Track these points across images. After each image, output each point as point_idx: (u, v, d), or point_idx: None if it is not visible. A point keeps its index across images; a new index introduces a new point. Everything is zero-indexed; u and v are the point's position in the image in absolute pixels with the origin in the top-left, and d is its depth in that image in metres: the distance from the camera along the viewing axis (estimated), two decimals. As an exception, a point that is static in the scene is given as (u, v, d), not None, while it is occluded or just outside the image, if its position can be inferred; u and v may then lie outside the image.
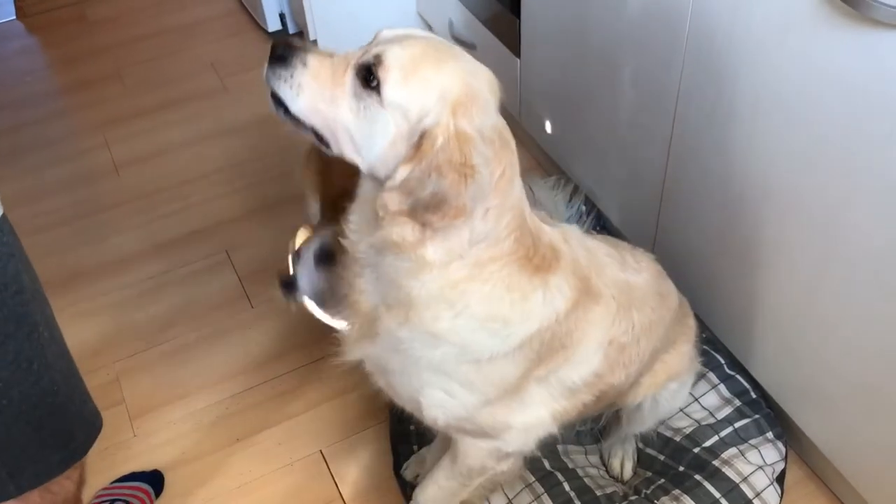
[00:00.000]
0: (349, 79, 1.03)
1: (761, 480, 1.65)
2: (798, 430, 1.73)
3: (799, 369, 1.66)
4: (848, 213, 1.38)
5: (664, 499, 1.64)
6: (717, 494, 1.63)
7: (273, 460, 1.86)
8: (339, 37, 2.91)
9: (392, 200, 1.01)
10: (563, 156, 2.29)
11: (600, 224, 2.19)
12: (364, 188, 1.14)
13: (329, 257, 1.49)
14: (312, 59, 1.04)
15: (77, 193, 2.59)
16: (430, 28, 3.06)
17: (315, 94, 1.03)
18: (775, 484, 1.67)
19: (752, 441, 1.72)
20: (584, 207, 2.19)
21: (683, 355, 1.56)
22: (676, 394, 1.62)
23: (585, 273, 1.26)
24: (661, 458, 1.74)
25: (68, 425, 1.20)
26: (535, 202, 2.14)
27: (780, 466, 1.71)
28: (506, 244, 1.11)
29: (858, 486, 1.61)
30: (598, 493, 1.68)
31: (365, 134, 1.03)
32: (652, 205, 1.93)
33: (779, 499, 1.65)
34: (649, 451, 1.77)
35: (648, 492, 1.67)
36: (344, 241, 1.18)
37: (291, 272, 1.56)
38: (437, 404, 1.27)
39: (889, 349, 1.40)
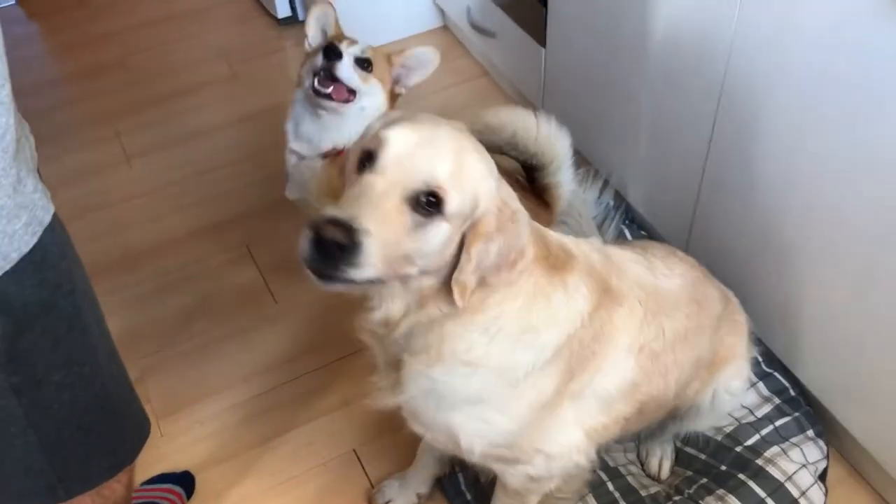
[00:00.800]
0: (406, 215, 0.98)
1: (805, 479, 1.64)
2: (839, 427, 1.71)
3: (842, 366, 1.64)
4: (906, 211, 1.36)
5: (708, 499, 1.62)
6: (762, 494, 1.61)
7: (305, 460, 1.83)
8: (357, 21, 2.86)
9: (469, 282, 1.05)
10: (589, 147, 2.26)
11: (629, 218, 2.16)
12: (392, 290, 1.09)
13: (365, 63, 1.67)
14: (372, 223, 0.95)
15: (88, 185, 2.53)
16: (443, 15, 3.01)
17: (384, 251, 0.96)
18: (819, 482, 1.65)
19: (794, 439, 1.71)
20: (612, 203, 2.16)
21: (737, 354, 1.54)
22: (737, 389, 1.57)
23: (602, 275, 1.24)
24: (702, 457, 1.73)
25: (118, 430, 1.18)
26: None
27: (823, 465, 1.70)
28: (529, 252, 1.11)
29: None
30: (643, 493, 1.66)
31: (425, 250, 1.01)
32: (688, 199, 1.90)
33: (824, 497, 1.64)
34: (689, 449, 1.75)
35: (691, 491, 1.66)
36: (381, 333, 1.16)
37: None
38: (475, 434, 1.26)
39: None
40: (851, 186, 1.45)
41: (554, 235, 1.22)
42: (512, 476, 1.35)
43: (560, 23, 2.19)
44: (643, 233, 2.15)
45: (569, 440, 1.29)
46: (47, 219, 0.96)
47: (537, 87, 2.41)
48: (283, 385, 1.98)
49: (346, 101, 1.67)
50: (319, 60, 1.65)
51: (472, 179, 1.02)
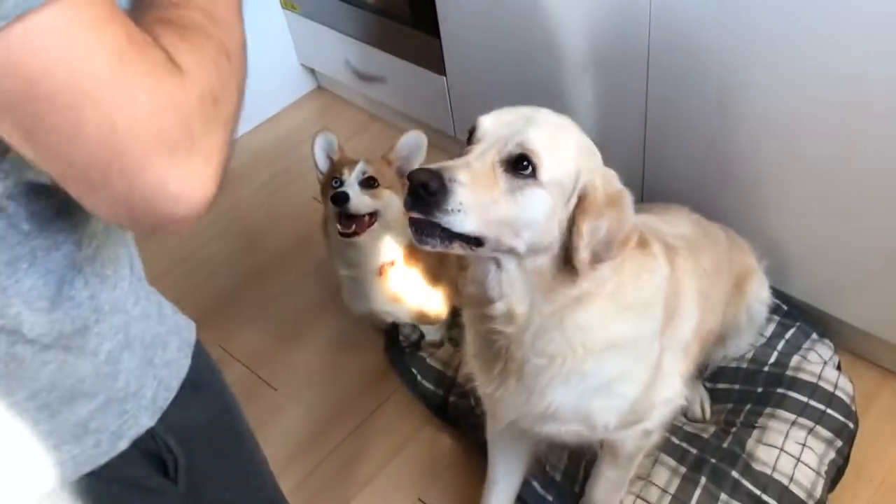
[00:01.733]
0: (500, 177, 1.04)
1: (832, 374, 1.81)
2: (836, 322, 1.90)
3: (826, 266, 1.83)
4: (859, 111, 1.56)
5: (762, 419, 1.76)
6: (804, 399, 1.76)
7: (376, 527, 1.81)
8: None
9: (585, 256, 1.08)
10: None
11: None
12: (511, 275, 1.14)
13: (370, 182, 1.72)
14: (462, 173, 1.02)
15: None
16: (314, 74, 3.05)
17: (476, 205, 1.02)
18: (842, 373, 1.83)
19: (805, 345, 1.88)
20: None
21: (753, 269, 1.72)
22: (765, 297, 1.76)
23: (659, 234, 1.37)
24: (737, 387, 1.86)
25: None
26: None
27: (836, 358, 1.88)
28: (636, 232, 1.18)
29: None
30: (705, 435, 1.77)
31: (527, 217, 1.06)
32: (633, 169, 2.05)
33: (851, 384, 1.81)
34: (721, 386, 1.88)
35: (742, 419, 1.78)
36: (508, 331, 1.19)
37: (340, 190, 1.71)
38: (611, 411, 1.33)
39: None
40: (803, 93, 1.63)
41: None
42: (630, 439, 1.43)
43: (456, 47, 2.30)
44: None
45: (673, 387, 1.40)
46: (193, 337, 0.94)
47: (446, 115, 2.50)
48: (320, 464, 1.94)
49: (372, 224, 1.74)
50: (332, 208, 1.71)
51: (571, 152, 1.08)
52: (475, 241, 1.06)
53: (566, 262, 1.11)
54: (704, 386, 1.89)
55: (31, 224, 0.69)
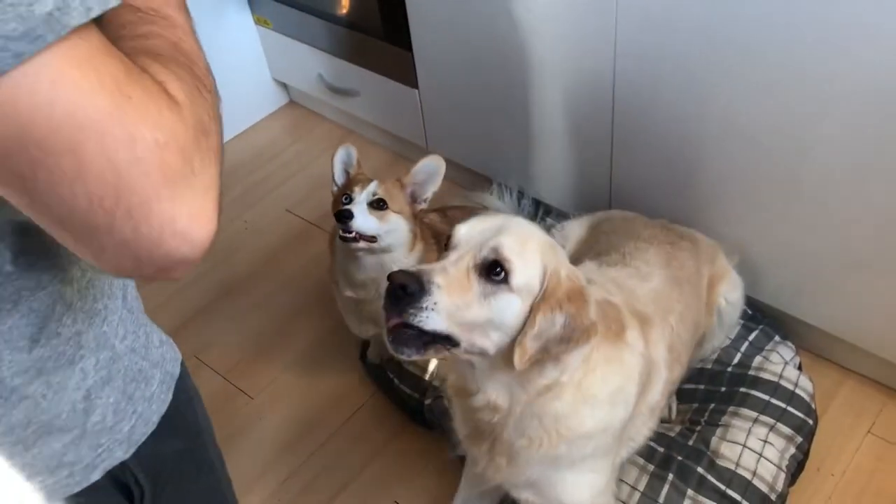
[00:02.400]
0: (474, 281, 1.11)
1: (792, 373, 1.88)
2: (798, 323, 1.98)
3: (789, 270, 1.90)
4: (815, 127, 1.64)
5: (725, 417, 1.82)
6: (766, 397, 1.83)
7: (353, 529, 1.84)
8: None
9: (529, 345, 1.12)
10: (489, 165, 2.43)
11: (552, 212, 2.34)
12: (484, 373, 1.22)
13: (379, 203, 1.71)
14: (439, 276, 1.09)
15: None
16: (287, 89, 3.09)
17: (451, 307, 1.08)
18: (802, 372, 1.90)
19: (768, 347, 1.95)
20: (530, 207, 2.34)
21: (723, 271, 1.80)
22: (735, 298, 1.82)
23: (634, 307, 1.44)
24: (702, 387, 1.92)
25: None
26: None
27: (797, 359, 1.95)
28: (599, 329, 1.24)
29: (864, 344, 1.88)
30: (672, 434, 1.82)
31: (498, 320, 1.13)
32: (601, 174, 2.12)
33: (811, 383, 1.88)
34: (686, 386, 1.94)
35: (706, 418, 1.84)
36: (494, 420, 1.27)
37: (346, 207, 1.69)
38: (585, 485, 1.41)
39: (865, 221, 1.67)
40: (758, 107, 1.71)
41: (599, 294, 1.35)
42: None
43: (428, 60, 2.35)
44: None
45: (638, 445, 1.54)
46: (177, 370, 0.94)
47: (418, 128, 2.55)
48: (298, 470, 1.97)
49: (372, 241, 1.72)
50: (336, 224, 1.70)
51: (538, 256, 1.15)
52: (449, 343, 1.12)
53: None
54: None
55: (14, 265, 0.67)
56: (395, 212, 1.73)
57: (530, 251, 1.14)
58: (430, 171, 1.80)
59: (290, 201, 2.72)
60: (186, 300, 2.43)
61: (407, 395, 2.00)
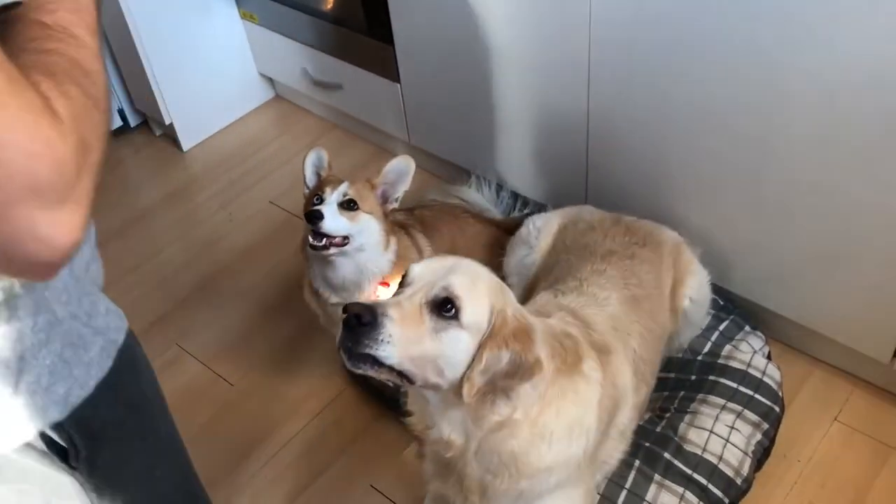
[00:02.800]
0: (426, 316, 1.15)
1: (760, 362, 1.92)
2: (769, 314, 2.02)
3: (759, 261, 1.94)
4: (781, 120, 1.68)
5: (694, 405, 1.85)
6: (734, 385, 1.87)
7: (329, 512, 1.87)
8: (192, 113, 2.92)
9: (476, 380, 1.17)
10: (469, 158, 2.46)
11: (529, 203, 2.37)
12: (438, 408, 1.26)
13: (350, 204, 1.73)
14: (392, 310, 1.13)
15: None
16: (272, 84, 3.13)
17: (403, 339, 1.13)
18: (771, 361, 1.94)
19: (737, 336, 1.99)
20: (508, 199, 2.38)
21: (686, 270, 1.81)
22: (699, 297, 1.84)
23: (591, 338, 1.47)
24: (672, 375, 1.96)
25: None
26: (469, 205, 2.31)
27: (767, 349, 1.99)
28: (549, 366, 1.28)
29: (832, 334, 1.92)
30: (640, 422, 1.85)
31: (448, 356, 1.17)
32: (577, 167, 2.15)
33: (779, 371, 1.92)
34: (657, 375, 1.98)
35: (676, 406, 1.88)
36: (449, 456, 1.31)
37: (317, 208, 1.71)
38: None
39: (833, 213, 1.71)
40: (728, 98, 1.75)
41: (557, 326, 1.39)
42: None
43: (410, 55, 2.39)
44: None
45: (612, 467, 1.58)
46: (121, 339, 0.96)
47: (400, 122, 2.59)
48: (276, 455, 2.00)
49: (344, 245, 1.74)
50: (306, 225, 1.71)
51: (487, 296, 1.19)
52: (404, 378, 1.17)
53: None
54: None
55: None
56: (365, 212, 1.75)
57: (479, 290, 1.19)
58: (401, 171, 1.82)
59: (274, 193, 2.75)
60: (170, 288, 2.45)
61: (382, 385, 2.03)
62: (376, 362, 1.13)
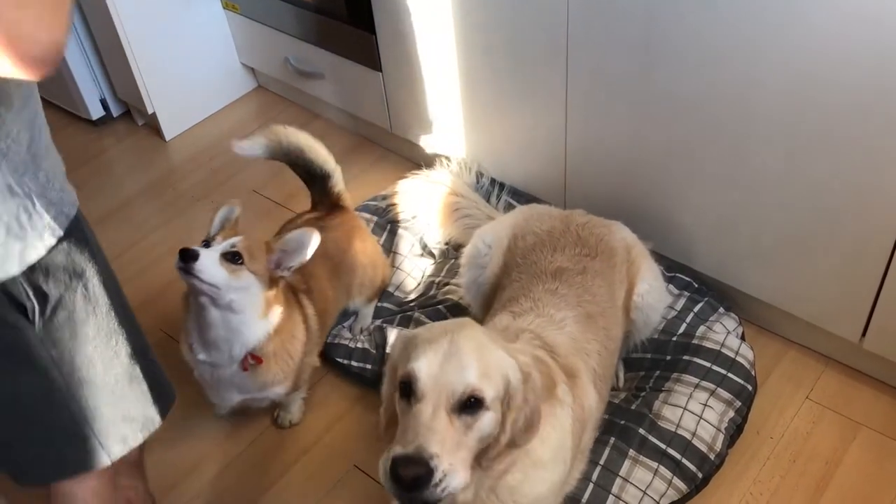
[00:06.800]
0: (456, 421, 1.15)
1: (734, 342, 1.97)
2: (742, 296, 2.06)
3: (732, 243, 1.99)
4: (752, 104, 1.72)
5: (668, 384, 1.90)
6: (707, 364, 1.92)
7: (312, 493, 1.90)
8: (175, 103, 2.93)
9: (504, 441, 1.23)
10: (448, 147, 2.50)
11: (511, 191, 2.41)
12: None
13: (234, 256, 1.65)
14: (434, 446, 1.11)
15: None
16: (254, 74, 3.14)
17: (453, 460, 1.13)
18: (744, 342, 1.99)
19: (712, 318, 2.04)
20: (487, 183, 2.42)
21: (637, 273, 1.82)
22: (651, 294, 1.85)
23: (561, 362, 1.50)
24: (648, 356, 2.00)
25: (146, 396, 1.35)
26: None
27: (740, 329, 2.04)
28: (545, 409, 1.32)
29: (804, 315, 1.97)
30: (616, 401, 1.90)
31: (483, 436, 1.20)
32: (556, 152, 2.19)
33: (751, 351, 1.97)
34: (634, 355, 2.02)
35: (651, 385, 1.93)
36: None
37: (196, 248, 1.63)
38: None
39: (802, 195, 1.76)
40: (701, 81, 1.79)
41: (528, 352, 1.40)
42: None
43: (391, 44, 2.42)
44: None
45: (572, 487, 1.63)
46: (73, 212, 1.12)
47: (382, 111, 2.62)
48: (261, 435, 2.03)
49: (212, 291, 1.65)
50: (177, 262, 1.61)
51: (498, 368, 1.21)
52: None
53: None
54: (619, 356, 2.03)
55: None
56: (251, 271, 1.67)
57: (492, 366, 1.20)
58: (300, 242, 1.73)
59: (257, 183, 2.77)
60: (153, 275, 2.47)
61: (361, 369, 2.06)
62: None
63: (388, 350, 2.02)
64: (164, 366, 2.17)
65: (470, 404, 1.16)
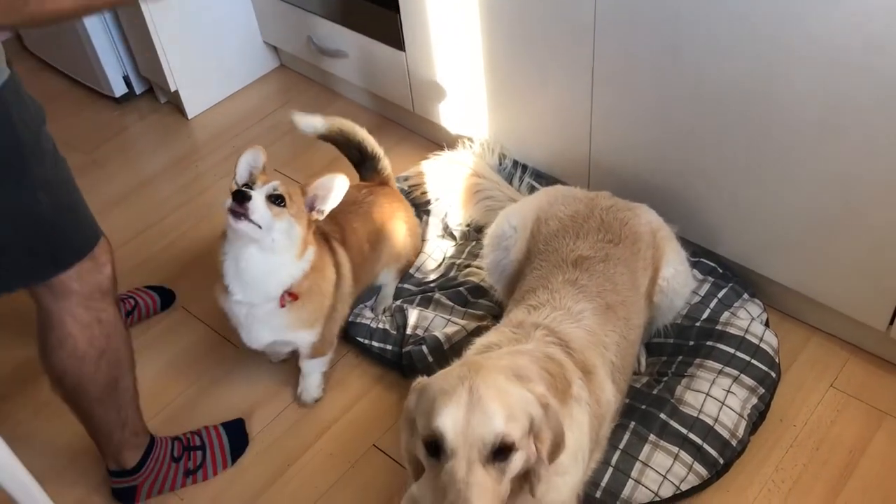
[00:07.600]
0: (490, 469, 1.15)
1: (758, 328, 1.95)
2: (767, 282, 2.04)
3: (758, 229, 1.96)
4: (781, 88, 1.69)
5: (691, 369, 1.88)
6: (731, 350, 1.90)
7: (331, 471, 1.91)
8: (198, 81, 2.93)
9: (543, 477, 1.25)
10: (472, 128, 2.48)
11: (534, 173, 2.39)
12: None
13: (278, 199, 1.72)
14: (479, 500, 1.11)
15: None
16: (277, 53, 3.13)
17: None
18: (768, 328, 1.97)
19: (736, 304, 2.02)
20: (510, 165, 2.40)
21: (662, 257, 1.80)
22: (676, 278, 1.84)
23: (576, 358, 1.48)
24: (671, 341, 1.99)
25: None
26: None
27: (765, 316, 2.02)
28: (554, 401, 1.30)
29: (829, 302, 1.94)
30: (637, 385, 1.89)
31: (514, 473, 1.20)
32: (581, 133, 2.17)
33: (776, 338, 1.95)
34: (656, 340, 2.01)
35: (673, 370, 1.91)
36: None
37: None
38: None
39: (830, 181, 1.73)
40: (728, 67, 1.76)
41: (538, 352, 1.41)
42: None
43: (415, 23, 2.39)
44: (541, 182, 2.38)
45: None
46: (2, 78, 1.28)
47: (405, 91, 2.60)
48: (283, 412, 2.04)
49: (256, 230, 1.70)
50: (228, 202, 1.67)
51: (521, 408, 1.19)
52: None
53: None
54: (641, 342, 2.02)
55: None
56: (291, 214, 1.74)
57: (515, 407, 1.18)
58: (330, 187, 1.80)
59: (278, 161, 2.76)
60: (173, 254, 2.48)
61: (382, 349, 2.06)
62: None
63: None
64: (192, 347, 2.24)
65: (501, 450, 1.16)
